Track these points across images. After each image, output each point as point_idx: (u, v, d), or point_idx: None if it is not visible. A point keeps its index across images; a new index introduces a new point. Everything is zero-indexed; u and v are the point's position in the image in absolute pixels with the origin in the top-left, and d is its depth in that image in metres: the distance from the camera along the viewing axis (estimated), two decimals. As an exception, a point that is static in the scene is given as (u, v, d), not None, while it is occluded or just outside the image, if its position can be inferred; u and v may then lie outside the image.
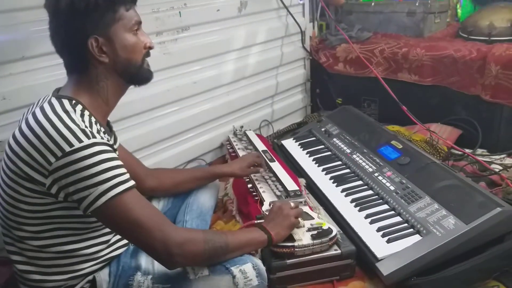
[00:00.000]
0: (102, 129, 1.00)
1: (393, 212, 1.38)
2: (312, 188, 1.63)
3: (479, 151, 1.95)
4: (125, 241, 1.12)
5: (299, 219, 1.25)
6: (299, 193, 1.45)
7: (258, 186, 1.54)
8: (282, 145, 2.02)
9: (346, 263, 1.25)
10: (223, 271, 1.03)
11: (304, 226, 1.24)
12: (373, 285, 1.25)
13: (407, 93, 2.11)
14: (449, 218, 1.24)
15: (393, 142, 1.67)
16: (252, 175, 1.58)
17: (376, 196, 1.47)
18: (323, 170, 1.70)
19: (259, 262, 1.08)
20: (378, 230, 1.30)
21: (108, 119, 1.13)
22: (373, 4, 2.45)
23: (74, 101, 0.95)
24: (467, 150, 1.89)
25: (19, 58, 1.31)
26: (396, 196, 1.41)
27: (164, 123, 1.80)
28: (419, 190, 1.39)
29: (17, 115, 1.28)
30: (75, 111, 0.93)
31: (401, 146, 1.63)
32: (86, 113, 0.96)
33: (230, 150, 1.96)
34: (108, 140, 0.99)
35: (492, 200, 1.24)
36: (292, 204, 1.25)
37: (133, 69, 1.03)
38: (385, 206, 1.41)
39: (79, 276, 1.03)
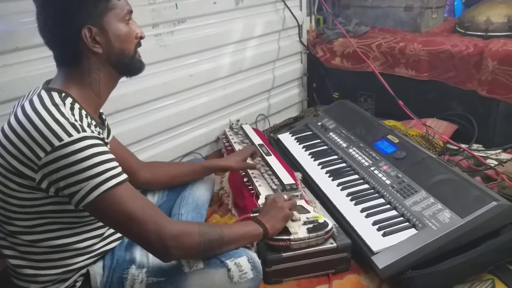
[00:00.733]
0: (94, 122, 0.98)
1: (389, 206, 1.38)
2: (308, 182, 1.63)
3: (475, 146, 1.96)
4: (119, 234, 1.11)
5: (295, 212, 1.25)
6: (295, 186, 1.45)
7: (254, 180, 1.53)
8: (278, 139, 2.01)
9: (342, 257, 1.25)
10: (218, 264, 1.03)
11: (300, 220, 1.24)
12: (369, 278, 1.25)
13: (404, 88, 2.11)
14: (444, 212, 1.25)
15: (389, 136, 1.67)
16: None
17: (372, 190, 1.47)
18: (319, 164, 1.70)
19: (254, 255, 1.08)
20: (374, 223, 1.30)
21: (102, 111, 1.12)
22: (370, -2, 2.45)
23: (64, 94, 0.94)
24: (463, 145, 1.89)
25: (13, 49, 1.30)
26: (392, 190, 1.41)
27: (160, 116, 1.79)
28: (415, 184, 1.39)
29: (11, 106, 1.24)
30: (64, 104, 0.91)
31: (397, 141, 1.63)
32: (77, 106, 0.94)
33: (226, 144, 1.95)
34: (99, 134, 0.98)
35: (487, 194, 1.24)
36: (286, 197, 1.26)
37: (126, 60, 1.01)
38: (381, 200, 1.41)
39: (73, 270, 1.02)
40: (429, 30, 2.36)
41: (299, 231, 1.20)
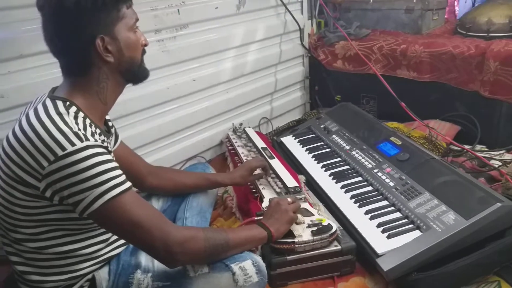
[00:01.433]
0: (98, 131, 0.98)
1: (392, 208, 1.38)
2: (312, 184, 1.63)
3: (478, 147, 1.95)
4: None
5: (299, 215, 1.25)
6: (299, 189, 1.45)
7: (258, 183, 1.54)
8: (281, 142, 2.02)
9: (346, 259, 1.25)
10: (223, 268, 1.03)
11: (304, 223, 1.24)
12: (374, 280, 1.25)
13: (406, 89, 2.11)
14: (449, 213, 1.25)
15: (392, 138, 1.67)
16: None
17: (376, 192, 1.47)
18: (322, 166, 1.70)
19: (259, 259, 1.08)
20: (378, 226, 1.30)
21: (108, 117, 1.12)
22: (371, 1, 2.45)
23: (68, 103, 0.93)
24: (466, 146, 1.89)
25: (17, 56, 1.31)
26: (396, 192, 1.41)
27: (163, 121, 1.80)
28: (419, 186, 1.39)
29: (15, 113, 1.28)
30: (68, 113, 0.91)
31: (400, 143, 1.63)
32: (81, 115, 0.94)
33: (230, 147, 1.96)
34: (103, 142, 0.98)
35: (491, 196, 1.24)
36: (289, 200, 1.26)
37: (135, 68, 1.02)
38: (385, 202, 1.41)
39: (79, 276, 1.02)
40: (430, 32, 2.36)
41: (303, 234, 1.20)
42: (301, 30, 2.38)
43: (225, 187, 1.70)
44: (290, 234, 1.20)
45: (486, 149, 1.93)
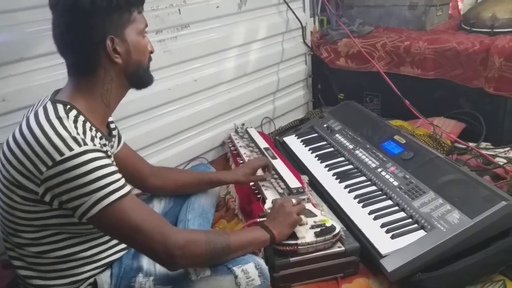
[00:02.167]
0: (99, 134, 0.98)
1: (397, 207, 1.37)
2: (315, 185, 1.62)
3: (483, 144, 1.93)
4: None
5: (302, 216, 1.24)
6: (302, 190, 1.45)
7: (260, 184, 1.53)
8: (284, 142, 2.01)
9: (350, 260, 1.24)
10: (225, 271, 1.02)
11: (307, 224, 1.23)
12: (378, 281, 1.24)
13: (410, 87, 2.09)
14: (453, 212, 1.23)
15: (396, 137, 1.66)
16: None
17: (380, 192, 1.46)
18: (325, 166, 1.69)
19: (261, 262, 1.07)
20: (382, 226, 1.29)
21: (111, 119, 1.12)
22: (374, -3, 2.43)
23: (69, 106, 0.93)
24: (471, 144, 1.87)
25: (18, 59, 1.31)
26: (400, 191, 1.40)
27: (165, 122, 1.79)
28: (423, 185, 1.38)
29: (17, 116, 1.28)
30: (68, 117, 0.91)
31: (404, 141, 1.62)
32: (81, 118, 0.94)
33: (232, 148, 1.95)
34: (104, 146, 0.97)
35: (497, 194, 1.23)
36: (294, 201, 1.25)
37: (141, 72, 1.02)
38: (389, 202, 1.40)
39: (81, 280, 1.02)
40: (434, 28, 2.34)
41: (306, 235, 1.19)
42: (303, 28, 2.37)
43: (228, 189, 1.69)
44: (293, 235, 1.19)
45: (491, 147, 1.91)
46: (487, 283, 1.21)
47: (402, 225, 1.28)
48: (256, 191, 1.54)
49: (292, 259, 1.19)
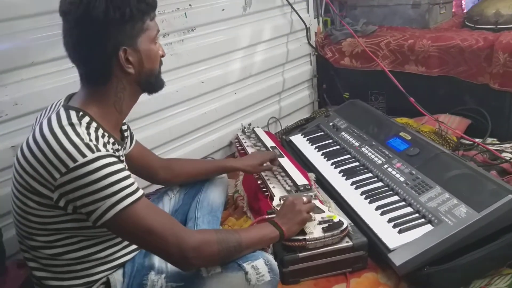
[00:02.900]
0: (112, 140, 0.99)
1: (403, 203, 1.38)
2: (322, 182, 1.64)
3: (489, 140, 1.94)
4: None
5: (310, 213, 1.25)
6: (309, 187, 1.46)
7: (268, 182, 1.55)
8: (290, 141, 2.02)
9: (358, 255, 1.25)
10: (235, 267, 1.03)
11: (315, 220, 1.25)
12: (386, 276, 1.25)
13: (415, 85, 2.10)
14: (460, 206, 1.24)
15: (401, 133, 1.67)
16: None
17: (386, 188, 1.47)
18: (332, 164, 1.71)
19: (271, 258, 1.08)
20: (389, 221, 1.30)
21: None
22: (377, -3, 2.45)
23: (81, 113, 0.94)
24: (477, 140, 1.88)
25: (29, 63, 1.34)
26: (406, 187, 1.41)
27: (173, 124, 1.82)
28: (429, 180, 1.39)
29: (29, 119, 1.30)
30: (80, 123, 0.92)
31: (409, 137, 1.63)
32: (93, 125, 0.94)
33: (239, 147, 1.97)
34: (116, 151, 0.99)
35: (503, 188, 1.23)
36: (304, 199, 1.25)
37: (153, 79, 1.03)
38: (396, 197, 1.41)
39: (95, 280, 1.03)
40: (438, 26, 2.35)
41: (314, 231, 1.21)
42: (307, 29, 2.39)
43: (236, 187, 1.71)
44: (302, 231, 1.21)
45: (497, 142, 1.91)
46: (495, 277, 1.21)
47: (409, 219, 1.29)
48: (264, 189, 1.55)
49: (300, 254, 1.20)
